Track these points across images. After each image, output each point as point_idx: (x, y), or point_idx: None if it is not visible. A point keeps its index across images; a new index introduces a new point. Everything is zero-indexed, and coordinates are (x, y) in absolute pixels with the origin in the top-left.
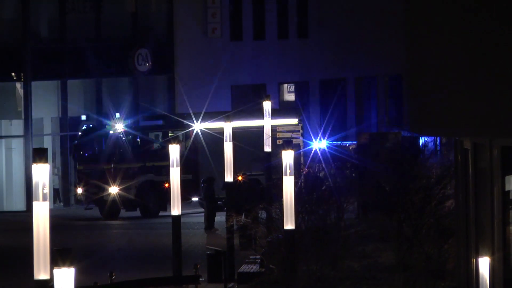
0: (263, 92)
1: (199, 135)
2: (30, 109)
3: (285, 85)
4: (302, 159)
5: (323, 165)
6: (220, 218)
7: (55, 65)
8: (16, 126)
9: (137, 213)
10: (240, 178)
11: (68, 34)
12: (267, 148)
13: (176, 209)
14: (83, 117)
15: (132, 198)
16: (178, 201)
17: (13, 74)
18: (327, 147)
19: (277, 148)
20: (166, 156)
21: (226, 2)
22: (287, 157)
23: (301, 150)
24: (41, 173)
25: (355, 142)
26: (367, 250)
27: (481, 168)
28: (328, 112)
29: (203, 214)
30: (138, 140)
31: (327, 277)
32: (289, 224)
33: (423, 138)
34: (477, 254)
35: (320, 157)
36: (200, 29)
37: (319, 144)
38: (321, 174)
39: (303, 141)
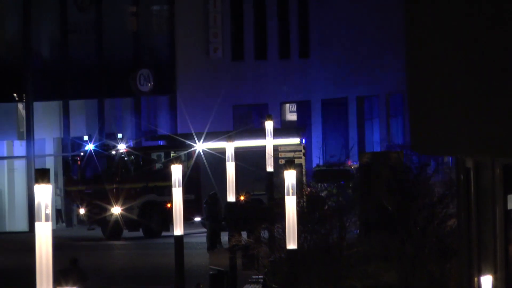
0: (264, 112)
1: (201, 155)
2: (32, 129)
3: (287, 105)
4: (304, 178)
5: (325, 185)
6: (222, 238)
7: (57, 85)
8: (18, 146)
9: (140, 233)
10: (242, 198)
11: (70, 55)
12: (269, 168)
13: (178, 229)
14: (85, 138)
15: (135, 218)
16: (180, 221)
17: (15, 94)
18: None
19: (279, 168)
20: (168, 176)
21: (227, 22)
22: (289, 177)
23: (302, 170)
24: (44, 193)
25: (357, 161)
26: (369, 269)
27: (483, 187)
28: (330, 131)
29: (205, 234)
30: (140, 160)
31: None
32: (291, 244)
33: (425, 157)
34: (480, 273)
35: (322, 176)
36: (202, 49)
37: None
38: (323, 194)
39: (305, 161)
